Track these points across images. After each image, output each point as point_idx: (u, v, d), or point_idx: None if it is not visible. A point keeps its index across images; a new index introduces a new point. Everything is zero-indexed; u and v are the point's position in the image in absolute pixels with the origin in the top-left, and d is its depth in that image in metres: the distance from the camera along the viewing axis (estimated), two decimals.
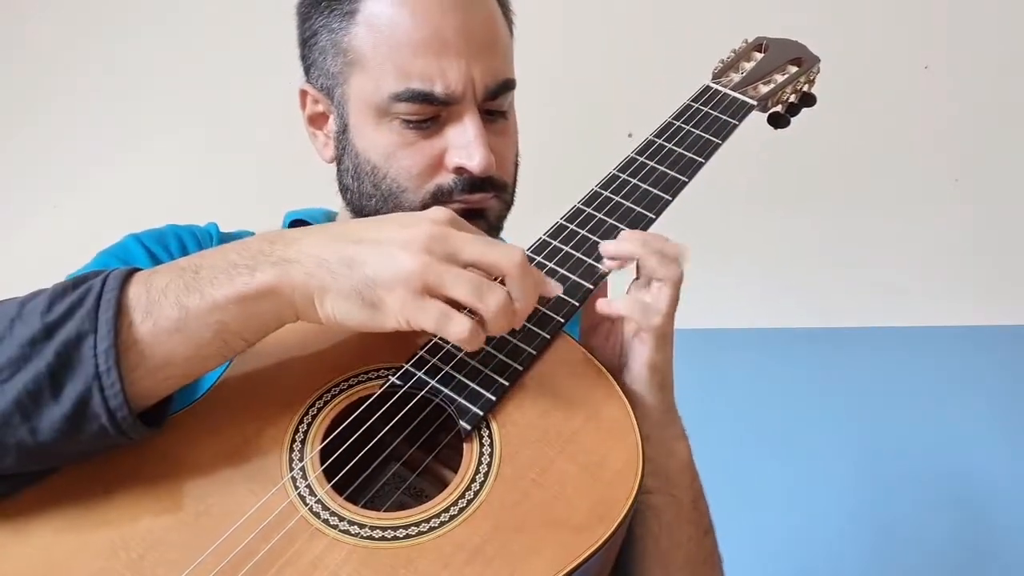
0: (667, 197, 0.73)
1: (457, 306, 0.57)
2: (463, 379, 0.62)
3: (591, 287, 0.68)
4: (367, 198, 0.79)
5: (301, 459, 0.58)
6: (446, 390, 0.61)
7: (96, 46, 1.90)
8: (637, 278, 0.68)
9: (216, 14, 1.88)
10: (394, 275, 0.55)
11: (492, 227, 0.80)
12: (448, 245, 0.56)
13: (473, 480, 0.57)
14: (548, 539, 0.54)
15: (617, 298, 0.66)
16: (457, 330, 0.56)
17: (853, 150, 1.91)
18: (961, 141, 1.91)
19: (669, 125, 0.79)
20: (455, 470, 0.59)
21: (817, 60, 0.89)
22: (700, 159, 0.76)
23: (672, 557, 0.70)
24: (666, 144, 0.77)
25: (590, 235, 0.71)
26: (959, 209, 1.93)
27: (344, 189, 0.82)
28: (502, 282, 0.58)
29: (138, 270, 0.57)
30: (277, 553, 0.53)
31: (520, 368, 0.63)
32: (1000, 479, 1.73)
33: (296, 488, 0.56)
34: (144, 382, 0.55)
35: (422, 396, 0.62)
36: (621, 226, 0.71)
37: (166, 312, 0.54)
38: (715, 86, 0.83)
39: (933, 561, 1.67)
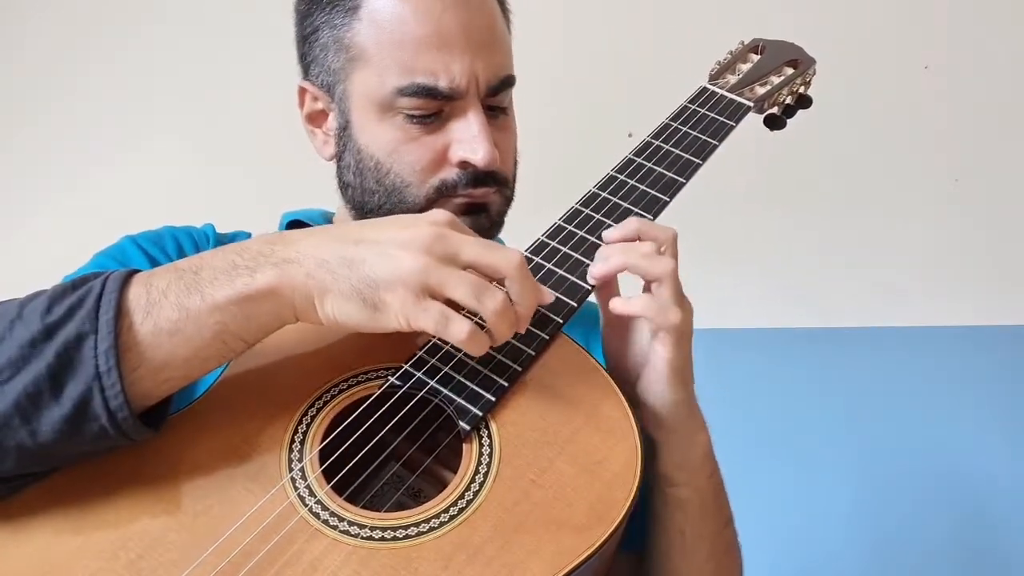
0: (665, 198, 0.73)
1: (457, 308, 0.57)
2: (462, 380, 0.62)
3: (589, 288, 0.68)
4: (369, 194, 0.79)
5: (300, 460, 0.58)
6: (445, 391, 0.62)
7: (96, 46, 1.90)
8: None
9: (216, 14, 1.88)
10: (395, 275, 0.55)
11: (494, 222, 0.80)
12: (448, 246, 0.56)
13: (472, 481, 0.57)
14: (547, 539, 0.54)
15: (633, 297, 0.65)
16: (456, 331, 0.56)
17: (853, 150, 1.91)
18: (961, 141, 1.91)
19: (666, 127, 0.79)
20: (454, 471, 0.59)
21: (813, 62, 0.89)
22: (698, 160, 0.76)
23: (697, 549, 0.71)
24: (664, 145, 0.77)
25: (588, 236, 0.71)
26: (959, 209, 1.93)
27: (345, 186, 0.82)
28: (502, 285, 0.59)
29: (137, 271, 0.57)
30: (277, 554, 0.53)
31: (519, 369, 0.63)
32: (1000, 479, 1.73)
33: (296, 488, 0.56)
34: (144, 383, 0.55)
35: (421, 396, 0.62)
36: None
37: (166, 313, 0.54)
38: (712, 88, 0.84)
39: (933, 561, 1.67)
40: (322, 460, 0.58)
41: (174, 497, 0.55)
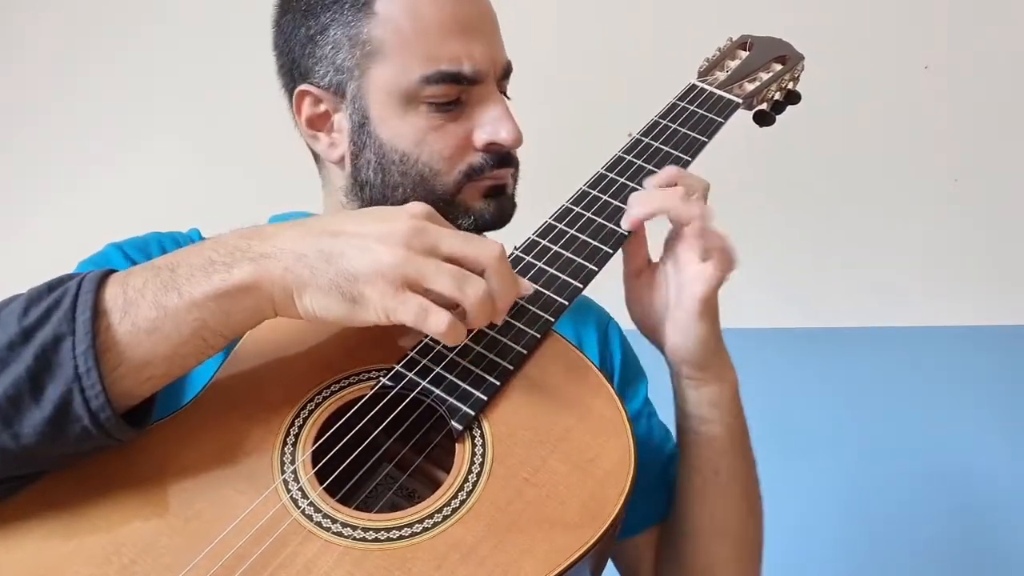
0: None
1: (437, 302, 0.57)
2: (454, 379, 0.62)
3: (580, 285, 0.68)
4: (392, 188, 0.79)
5: (293, 462, 0.58)
6: (437, 390, 0.61)
7: (96, 46, 1.90)
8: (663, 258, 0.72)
9: (216, 15, 1.88)
10: (374, 268, 0.55)
11: (512, 203, 0.82)
12: (427, 239, 0.56)
13: (466, 480, 0.57)
14: (541, 538, 0.54)
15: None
16: (435, 323, 0.55)
17: (853, 150, 1.90)
18: (961, 141, 1.91)
19: (656, 124, 0.79)
20: (447, 470, 0.59)
21: (801, 58, 0.89)
22: (687, 157, 0.76)
23: (732, 487, 0.73)
24: (653, 143, 0.77)
25: (579, 234, 0.71)
26: (959, 209, 1.92)
27: (362, 185, 0.81)
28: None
29: (114, 271, 0.57)
30: (270, 556, 0.53)
31: (511, 367, 0.63)
32: (1000, 479, 1.72)
33: (288, 491, 0.56)
34: (125, 382, 0.54)
35: (413, 397, 0.62)
36: (609, 224, 0.71)
37: (144, 312, 0.54)
38: (701, 84, 0.84)
39: (932, 561, 1.67)
40: (314, 462, 0.58)
41: (166, 501, 0.55)
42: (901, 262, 1.91)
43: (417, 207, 0.59)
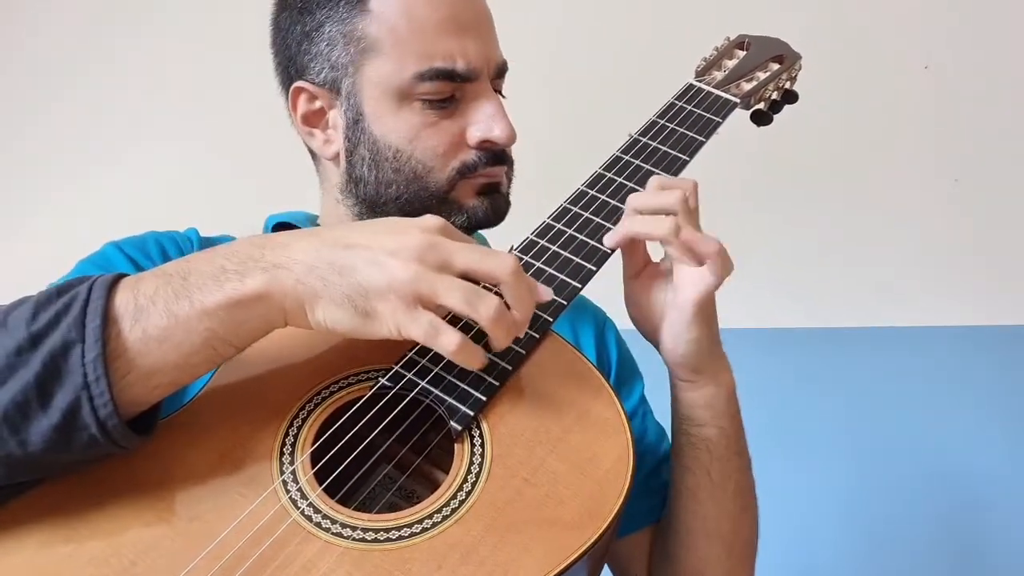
0: None
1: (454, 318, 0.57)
2: (453, 380, 0.62)
3: (578, 285, 0.68)
4: (386, 185, 0.79)
5: (292, 463, 0.58)
6: (436, 391, 0.61)
7: (96, 46, 1.90)
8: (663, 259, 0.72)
9: (216, 15, 1.88)
10: (387, 284, 0.54)
11: (506, 201, 0.82)
12: (440, 254, 0.56)
13: (465, 480, 0.57)
14: (540, 538, 0.54)
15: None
16: (446, 342, 0.55)
17: (853, 150, 1.91)
18: (961, 141, 1.91)
19: (653, 124, 0.79)
20: (447, 471, 0.59)
21: (799, 57, 0.89)
22: (684, 157, 0.76)
23: (724, 489, 0.73)
24: (651, 143, 0.77)
25: (577, 234, 0.71)
26: (959, 209, 1.92)
27: (356, 182, 0.81)
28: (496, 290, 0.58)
29: (125, 275, 0.57)
30: (270, 557, 0.52)
31: (510, 368, 0.63)
32: (999, 479, 1.72)
33: (287, 492, 0.56)
34: (133, 390, 0.54)
35: (412, 397, 0.62)
36: (608, 224, 0.71)
37: (155, 320, 0.54)
38: (698, 84, 0.84)
39: (932, 561, 1.67)
40: (314, 463, 0.58)
41: (166, 503, 0.55)
42: (901, 262, 1.92)
43: (431, 220, 0.58)
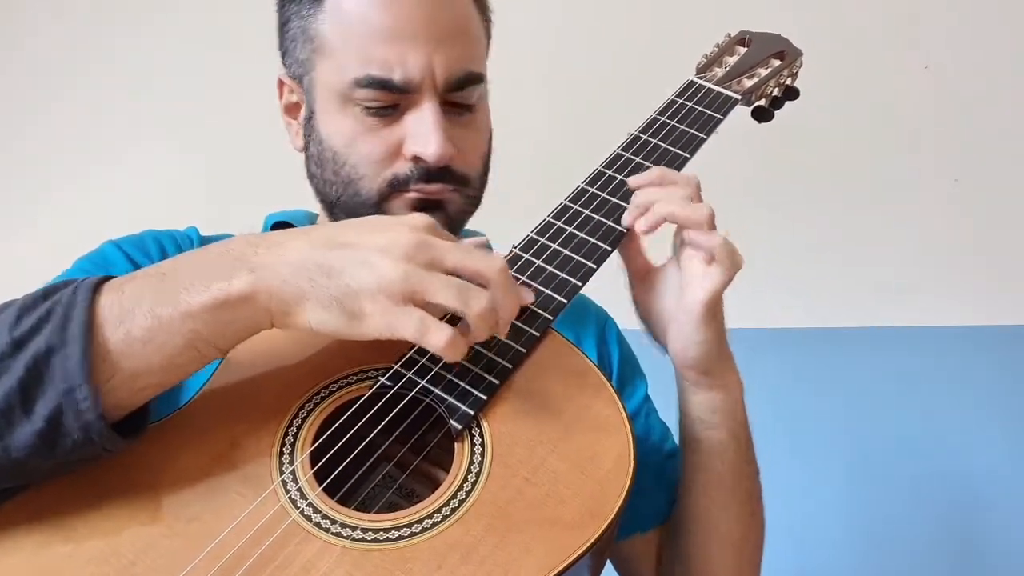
0: None
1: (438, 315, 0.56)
2: (453, 378, 0.62)
3: (579, 284, 0.68)
4: (328, 185, 0.79)
5: (291, 462, 0.58)
6: (436, 390, 0.61)
7: (96, 46, 1.90)
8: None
9: (217, 15, 1.88)
10: (375, 284, 0.54)
11: (453, 221, 0.79)
12: (430, 252, 0.56)
13: (465, 480, 0.57)
14: (541, 537, 0.54)
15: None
16: (437, 339, 0.55)
17: (853, 150, 1.90)
18: (961, 141, 1.91)
19: (654, 120, 0.79)
20: (447, 470, 0.59)
21: (800, 53, 0.89)
22: (685, 154, 0.76)
23: (735, 492, 0.73)
24: (651, 140, 0.77)
25: (577, 232, 0.71)
26: (959, 209, 1.92)
27: (310, 176, 0.82)
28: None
29: (110, 278, 0.56)
30: (269, 557, 0.52)
31: (510, 366, 0.63)
32: (999, 479, 1.72)
33: (287, 491, 0.56)
34: (119, 392, 0.53)
35: (412, 396, 0.62)
36: (608, 222, 0.71)
37: (139, 321, 0.53)
38: (699, 81, 0.84)
39: (932, 561, 1.67)
40: (313, 463, 0.58)
41: (165, 504, 0.55)
42: (900, 262, 1.91)
43: (419, 219, 0.58)
